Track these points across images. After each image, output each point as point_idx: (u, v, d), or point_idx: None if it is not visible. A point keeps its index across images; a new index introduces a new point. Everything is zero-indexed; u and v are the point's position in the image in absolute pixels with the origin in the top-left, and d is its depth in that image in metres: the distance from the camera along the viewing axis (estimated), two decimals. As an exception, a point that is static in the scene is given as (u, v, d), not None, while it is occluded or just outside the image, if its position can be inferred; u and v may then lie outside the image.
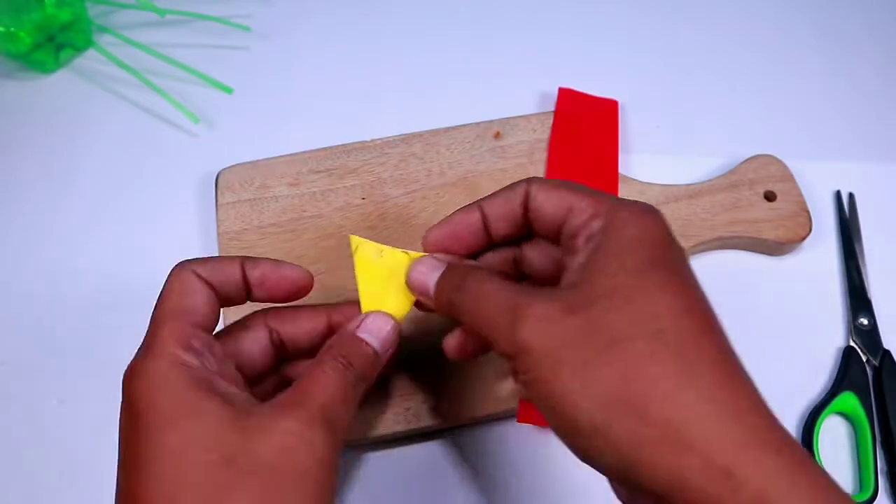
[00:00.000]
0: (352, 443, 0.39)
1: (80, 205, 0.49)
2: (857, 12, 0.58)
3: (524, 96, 0.53)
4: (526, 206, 0.30)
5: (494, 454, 0.40)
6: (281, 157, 0.48)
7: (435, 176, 0.47)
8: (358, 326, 0.31)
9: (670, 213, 0.46)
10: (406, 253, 0.32)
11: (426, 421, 0.39)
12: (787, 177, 0.47)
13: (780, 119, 0.53)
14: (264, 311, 0.33)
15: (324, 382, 0.28)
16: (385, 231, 0.45)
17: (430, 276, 0.30)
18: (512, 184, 0.31)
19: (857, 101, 0.54)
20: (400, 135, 0.49)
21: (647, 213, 0.27)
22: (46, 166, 0.50)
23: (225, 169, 0.47)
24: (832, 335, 0.44)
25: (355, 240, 0.32)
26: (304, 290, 0.32)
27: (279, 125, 0.52)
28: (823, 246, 0.47)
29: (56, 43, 0.53)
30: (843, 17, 0.58)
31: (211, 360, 0.28)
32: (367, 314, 0.32)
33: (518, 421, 0.40)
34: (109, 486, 0.39)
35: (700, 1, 0.59)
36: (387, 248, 0.32)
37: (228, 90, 0.53)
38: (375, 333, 0.31)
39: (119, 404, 0.42)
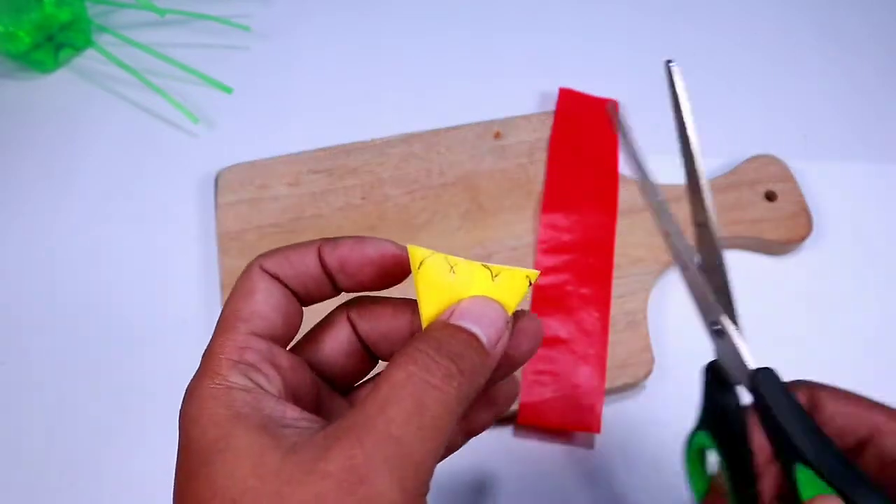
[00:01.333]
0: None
1: (80, 205, 0.49)
2: (857, 12, 0.58)
3: (524, 96, 0.53)
4: None
5: (494, 455, 0.40)
6: (281, 157, 0.48)
7: (435, 176, 0.47)
8: (451, 314, 0.22)
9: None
10: (486, 267, 0.25)
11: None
12: (788, 177, 0.47)
13: (780, 119, 0.53)
14: (348, 302, 0.26)
15: (390, 392, 0.20)
16: (385, 231, 0.45)
17: None
18: None
19: (857, 101, 0.54)
20: (400, 135, 0.49)
21: None
22: (46, 166, 0.50)
23: (224, 169, 0.47)
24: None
25: (418, 252, 0.24)
26: (394, 269, 0.24)
27: (279, 125, 0.52)
28: (824, 246, 0.47)
29: (55, 42, 0.53)
30: (843, 17, 0.58)
31: (270, 375, 0.23)
32: (463, 300, 0.23)
33: (518, 422, 0.40)
34: (109, 487, 0.40)
35: (700, 1, 0.59)
36: (460, 262, 0.24)
37: (228, 90, 0.53)
38: (478, 319, 0.22)
39: (118, 403, 0.42)
